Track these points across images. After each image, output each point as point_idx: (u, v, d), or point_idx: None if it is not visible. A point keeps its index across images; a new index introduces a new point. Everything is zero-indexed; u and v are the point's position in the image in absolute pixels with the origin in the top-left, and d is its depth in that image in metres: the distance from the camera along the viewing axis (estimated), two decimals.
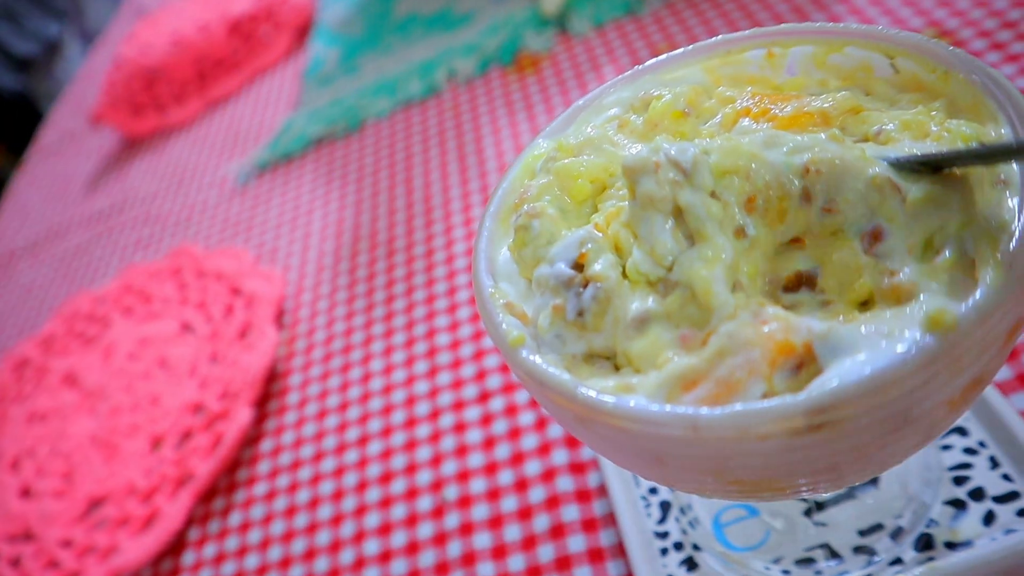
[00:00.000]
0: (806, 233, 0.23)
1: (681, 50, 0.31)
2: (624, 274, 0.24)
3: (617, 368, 0.24)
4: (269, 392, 0.55)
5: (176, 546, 0.50)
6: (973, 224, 0.21)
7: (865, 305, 0.22)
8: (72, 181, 0.93)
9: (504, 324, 0.24)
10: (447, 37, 0.75)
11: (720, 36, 0.31)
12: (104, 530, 0.52)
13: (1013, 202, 0.21)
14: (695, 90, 0.29)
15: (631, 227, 0.24)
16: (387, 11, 0.85)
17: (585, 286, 0.24)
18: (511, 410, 0.46)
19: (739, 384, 0.21)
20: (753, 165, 0.23)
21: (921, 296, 0.21)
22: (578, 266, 0.24)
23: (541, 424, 0.44)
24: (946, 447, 0.34)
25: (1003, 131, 0.23)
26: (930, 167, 0.22)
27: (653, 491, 0.38)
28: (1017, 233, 0.20)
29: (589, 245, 0.24)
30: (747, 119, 0.27)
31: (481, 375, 0.48)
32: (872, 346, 0.20)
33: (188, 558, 0.49)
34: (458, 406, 0.47)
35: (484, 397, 0.47)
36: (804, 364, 0.21)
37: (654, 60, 0.31)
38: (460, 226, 0.58)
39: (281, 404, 0.54)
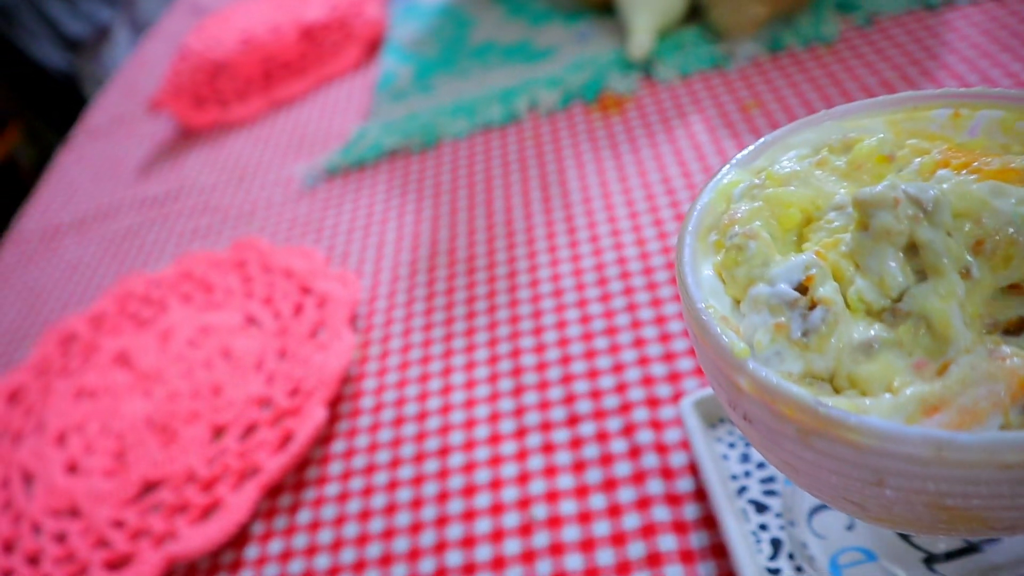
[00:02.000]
0: None
1: (866, 101, 0.32)
2: (844, 302, 0.25)
3: (837, 391, 0.24)
4: (341, 394, 0.55)
5: (239, 539, 0.49)
6: None
7: None
8: (122, 164, 0.92)
9: (726, 337, 0.25)
10: (527, 68, 0.77)
11: (907, 92, 0.32)
12: (159, 515, 0.51)
13: None
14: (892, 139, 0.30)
15: (853, 258, 0.25)
16: (462, 36, 0.86)
17: (811, 308, 0.25)
18: (602, 436, 0.46)
19: (982, 414, 0.22)
20: (983, 211, 0.24)
21: None
22: (802, 288, 0.25)
23: (635, 452, 0.44)
24: None
25: None
26: None
27: (763, 527, 0.38)
28: None
29: (814, 269, 0.25)
30: (945, 170, 0.28)
31: (570, 399, 0.48)
32: None
33: (251, 552, 0.48)
34: (546, 427, 0.48)
35: (573, 420, 0.47)
36: None
37: (838, 108, 0.32)
38: (544, 252, 0.59)
39: (355, 407, 0.53)
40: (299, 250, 0.66)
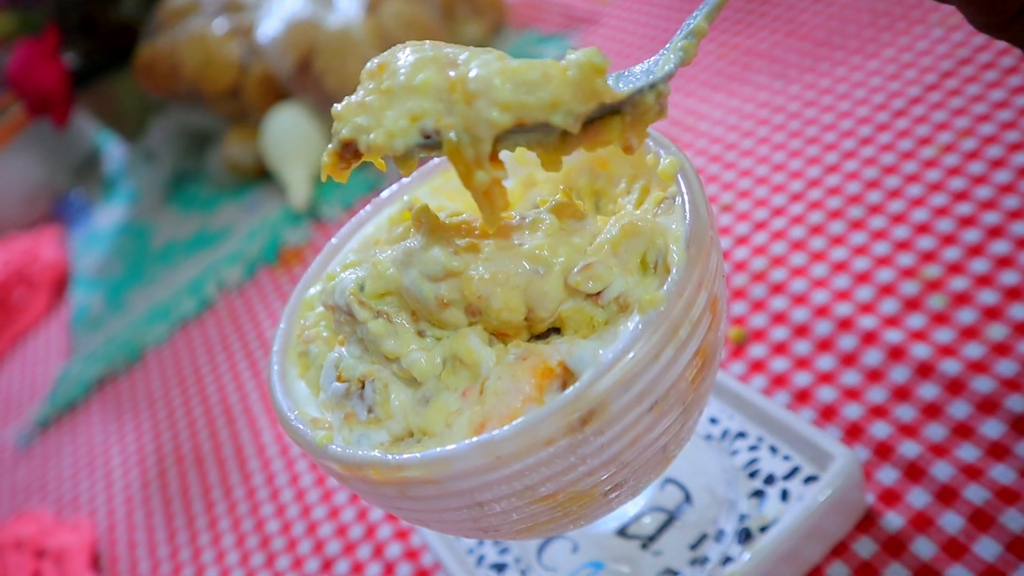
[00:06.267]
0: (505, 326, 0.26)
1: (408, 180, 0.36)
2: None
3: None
4: None
5: None
6: (667, 236, 0.26)
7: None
8: None
9: (311, 432, 0.26)
10: (209, 253, 0.78)
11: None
12: None
13: (680, 207, 0.27)
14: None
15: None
16: (143, 246, 0.86)
17: (362, 387, 0.27)
18: (357, 568, 0.46)
19: (518, 413, 0.24)
20: (396, 287, 0.26)
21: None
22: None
23: (385, 560, 0.45)
24: (735, 452, 0.38)
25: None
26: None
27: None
28: (685, 228, 0.25)
29: (342, 363, 0.27)
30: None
31: (319, 546, 0.48)
32: (610, 344, 0.24)
33: None
34: None
35: (327, 565, 0.47)
36: (567, 381, 0.25)
37: (384, 195, 0.36)
38: (262, 416, 0.58)
39: None
40: (25, 516, 0.62)
